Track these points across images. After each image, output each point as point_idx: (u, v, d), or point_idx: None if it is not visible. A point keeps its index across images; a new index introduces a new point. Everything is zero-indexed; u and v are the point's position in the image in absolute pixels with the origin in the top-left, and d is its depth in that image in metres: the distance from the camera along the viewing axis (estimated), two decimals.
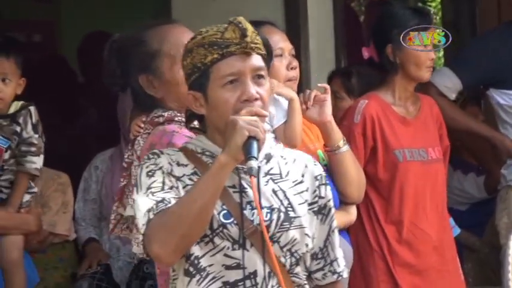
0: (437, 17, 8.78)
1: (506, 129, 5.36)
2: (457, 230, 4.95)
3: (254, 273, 2.94)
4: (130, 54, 3.77)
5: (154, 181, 3.01)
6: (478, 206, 5.84)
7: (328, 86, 4.27)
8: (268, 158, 3.06)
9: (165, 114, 3.62)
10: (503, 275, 5.22)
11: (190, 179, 3.01)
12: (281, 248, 2.96)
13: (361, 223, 4.53)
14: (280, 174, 3.07)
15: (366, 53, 4.82)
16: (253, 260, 2.96)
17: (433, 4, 9.35)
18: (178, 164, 3.05)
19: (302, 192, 3.06)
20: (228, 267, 2.99)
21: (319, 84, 4.32)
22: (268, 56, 3.10)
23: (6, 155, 4.60)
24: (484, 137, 5.35)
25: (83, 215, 5.61)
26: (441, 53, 8.16)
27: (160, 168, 3.03)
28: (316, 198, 3.07)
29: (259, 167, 2.96)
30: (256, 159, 2.81)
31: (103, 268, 5.47)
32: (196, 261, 3.00)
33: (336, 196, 4.09)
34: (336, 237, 3.15)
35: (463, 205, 5.80)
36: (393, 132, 4.51)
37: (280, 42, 4.28)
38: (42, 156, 4.65)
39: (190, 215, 2.96)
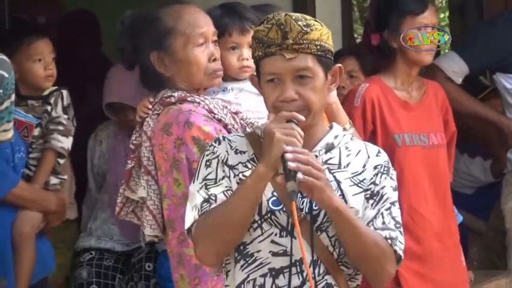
0: (444, 1, 8.90)
1: None
2: (460, 218, 4.90)
3: (300, 261, 2.96)
4: (143, 30, 3.79)
5: (211, 172, 3.08)
6: (484, 189, 5.84)
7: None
8: (329, 148, 3.09)
9: (176, 94, 3.63)
10: (508, 259, 5.26)
11: (245, 166, 3.05)
12: (329, 237, 2.99)
13: None
14: (339, 164, 3.09)
15: (374, 40, 4.79)
16: (298, 247, 2.96)
17: None
18: (236, 152, 3.10)
19: (359, 182, 3.08)
20: (274, 254, 3.02)
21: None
22: (325, 52, 3.04)
23: (36, 131, 4.62)
24: (491, 122, 5.38)
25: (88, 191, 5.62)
26: (448, 37, 8.22)
27: (217, 157, 3.08)
28: (371, 186, 3.09)
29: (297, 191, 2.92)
30: (295, 180, 2.79)
31: (97, 254, 5.45)
32: (242, 247, 3.05)
33: None
34: (386, 218, 3.14)
35: (469, 189, 5.80)
36: (393, 117, 4.56)
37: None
38: (70, 139, 4.66)
39: (230, 223, 3.01)
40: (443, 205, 4.58)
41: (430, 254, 4.50)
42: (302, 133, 2.96)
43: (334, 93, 4.04)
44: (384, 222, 3.08)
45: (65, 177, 4.57)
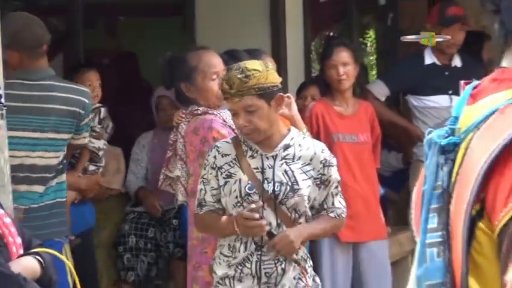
0: (373, 48, 8.84)
1: (418, 122, 5.35)
2: (381, 191, 4.81)
3: (270, 224, 3.06)
4: (176, 67, 3.71)
5: (205, 173, 3.18)
6: (397, 173, 5.81)
7: (290, 95, 4.21)
8: (286, 147, 3.13)
9: (201, 108, 3.56)
10: (409, 216, 5.19)
11: (229, 165, 3.12)
12: (287, 208, 3.09)
13: None
14: (293, 158, 3.13)
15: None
16: (268, 215, 3.09)
17: (370, 38, 9.04)
18: (223, 155, 3.16)
19: (307, 172, 3.13)
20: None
21: (284, 95, 4.22)
22: (264, 90, 3.02)
23: None
24: (402, 127, 5.35)
25: (136, 176, 5.29)
26: (374, 71, 7.96)
27: (208, 162, 3.16)
28: (320, 175, 3.15)
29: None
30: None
31: (138, 214, 5.23)
32: None
33: None
34: (335, 199, 3.21)
35: (388, 172, 5.61)
36: (332, 122, 4.51)
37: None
38: (102, 141, 4.44)
39: (217, 234, 3.24)
40: (368, 182, 4.54)
41: (357, 214, 4.44)
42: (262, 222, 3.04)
43: (295, 107, 4.08)
44: (333, 203, 3.20)
45: (102, 164, 4.26)
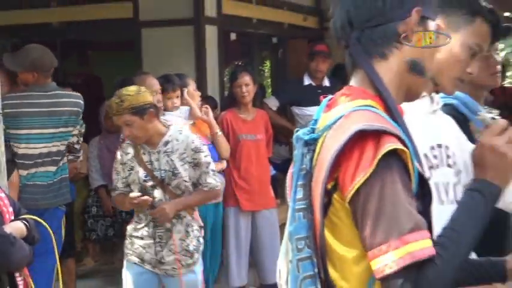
0: (269, 73, 8.52)
1: (299, 126, 4.41)
2: (274, 172, 4.71)
3: (160, 200, 3.00)
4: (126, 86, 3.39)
5: (116, 167, 3.11)
6: (285, 161, 5.38)
7: (208, 106, 4.16)
8: (166, 143, 3.02)
9: None
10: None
11: (130, 161, 3.03)
12: (172, 187, 3.00)
13: (228, 167, 4.40)
14: (172, 150, 3.02)
15: None
16: (159, 194, 3.01)
17: (267, 66, 8.85)
18: (126, 154, 3.08)
19: (184, 158, 3.02)
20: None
21: (203, 106, 4.22)
22: (136, 109, 2.87)
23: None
24: (289, 128, 5.14)
25: (97, 173, 4.95)
26: (270, 90, 7.59)
27: (117, 159, 3.10)
28: (193, 160, 3.03)
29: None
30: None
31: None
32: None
33: (216, 155, 4.05)
34: (207, 176, 3.05)
35: (278, 160, 5.33)
36: (238, 126, 4.43)
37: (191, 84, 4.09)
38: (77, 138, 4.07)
39: (124, 208, 3.28)
40: (262, 167, 4.45)
41: (253, 189, 4.40)
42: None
43: (211, 115, 4.14)
44: (206, 179, 3.06)
45: (79, 155, 4.03)
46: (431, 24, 1.26)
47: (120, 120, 2.94)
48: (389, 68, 1.23)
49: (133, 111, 2.91)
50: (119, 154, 3.11)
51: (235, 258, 4.38)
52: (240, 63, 7.16)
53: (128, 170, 3.06)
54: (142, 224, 3.07)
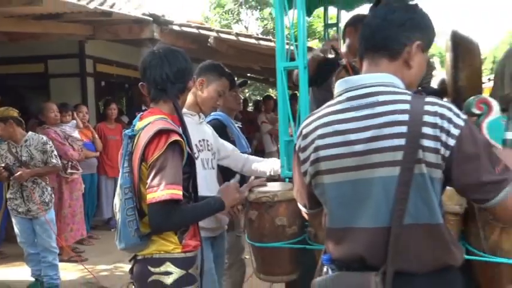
0: (125, 105, 9.00)
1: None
2: None
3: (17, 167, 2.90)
4: (41, 111, 3.98)
5: None
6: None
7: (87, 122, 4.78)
8: (25, 140, 3.08)
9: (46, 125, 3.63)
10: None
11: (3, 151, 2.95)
12: (30, 166, 2.97)
13: (101, 154, 4.89)
14: (30, 144, 3.11)
15: None
16: (22, 170, 3.05)
17: (122, 102, 9.11)
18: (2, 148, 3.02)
19: (37, 149, 3.13)
20: None
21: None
22: (5, 121, 2.98)
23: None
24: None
25: None
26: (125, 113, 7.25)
27: None
28: (42, 149, 3.14)
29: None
30: None
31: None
32: None
33: (93, 148, 4.72)
34: (51, 158, 3.12)
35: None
36: (107, 131, 4.95)
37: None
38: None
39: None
40: (116, 153, 4.41)
41: (113, 164, 4.78)
42: None
43: (81, 124, 4.59)
44: (51, 160, 3.14)
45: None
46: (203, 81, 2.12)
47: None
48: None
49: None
50: None
51: (105, 205, 5.85)
52: (107, 98, 7.39)
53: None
54: (15, 188, 3.39)
